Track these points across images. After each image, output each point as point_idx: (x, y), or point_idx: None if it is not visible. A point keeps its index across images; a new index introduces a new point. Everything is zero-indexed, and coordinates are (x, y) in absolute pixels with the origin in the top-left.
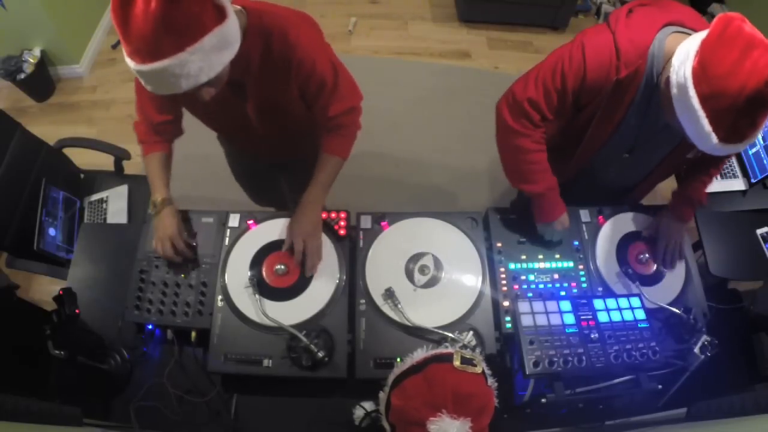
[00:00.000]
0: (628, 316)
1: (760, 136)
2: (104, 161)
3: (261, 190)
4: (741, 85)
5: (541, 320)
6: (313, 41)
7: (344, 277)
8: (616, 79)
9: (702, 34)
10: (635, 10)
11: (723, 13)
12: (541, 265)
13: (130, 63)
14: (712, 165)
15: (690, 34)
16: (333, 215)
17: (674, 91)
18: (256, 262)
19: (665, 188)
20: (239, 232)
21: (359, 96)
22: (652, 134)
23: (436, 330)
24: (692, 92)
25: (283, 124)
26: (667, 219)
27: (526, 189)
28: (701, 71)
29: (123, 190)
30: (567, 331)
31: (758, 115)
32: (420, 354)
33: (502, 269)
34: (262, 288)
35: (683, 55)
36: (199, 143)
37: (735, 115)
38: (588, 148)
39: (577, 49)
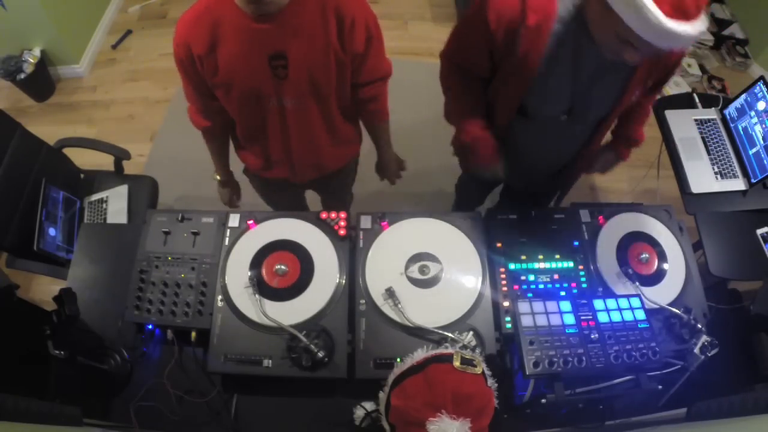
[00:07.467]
0: (628, 316)
1: (760, 136)
2: (104, 161)
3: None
4: None
5: (541, 320)
6: None
7: (344, 277)
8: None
9: None
10: None
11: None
12: (541, 265)
13: None
14: (647, 99)
15: None
16: (333, 215)
17: None
18: (256, 262)
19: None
20: (239, 232)
21: (390, 64)
22: (586, 87)
23: (436, 330)
24: None
25: (318, 111)
26: (607, 156)
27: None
28: None
29: (123, 190)
30: (567, 331)
31: None
32: (420, 354)
33: (502, 269)
34: (262, 288)
35: None
36: (200, 146)
37: None
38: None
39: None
